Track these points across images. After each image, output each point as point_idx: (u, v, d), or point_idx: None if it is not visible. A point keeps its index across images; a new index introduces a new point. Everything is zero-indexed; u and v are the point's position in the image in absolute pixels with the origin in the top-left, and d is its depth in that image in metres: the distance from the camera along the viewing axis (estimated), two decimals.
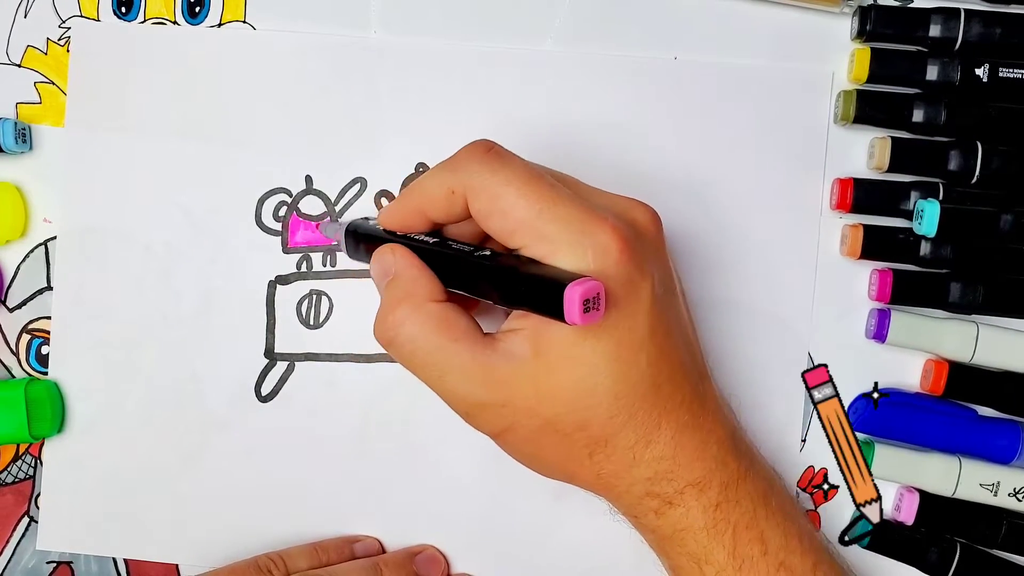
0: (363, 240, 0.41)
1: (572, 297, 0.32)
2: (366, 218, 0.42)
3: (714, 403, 0.39)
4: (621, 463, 0.37)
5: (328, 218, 0.47)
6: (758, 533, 0.38)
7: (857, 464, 0.45)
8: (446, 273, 0.38)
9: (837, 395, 0.46)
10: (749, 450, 0.40)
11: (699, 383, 0.38)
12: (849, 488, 0.45)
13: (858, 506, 0.45)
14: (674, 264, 0.40)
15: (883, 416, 0.45)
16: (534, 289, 0.34)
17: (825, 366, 0.46)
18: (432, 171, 0.38)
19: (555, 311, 0.33)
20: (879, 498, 0.45)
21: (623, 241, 0.35)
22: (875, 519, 0.45)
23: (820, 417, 0.45)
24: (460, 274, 0.37)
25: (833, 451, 0.45)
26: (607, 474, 0.38)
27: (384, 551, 0.47)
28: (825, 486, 0.46)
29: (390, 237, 0.39)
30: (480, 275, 0.37)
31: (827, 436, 0.45)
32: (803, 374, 0.46)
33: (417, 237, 0.39)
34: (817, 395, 0.46)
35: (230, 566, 0.44)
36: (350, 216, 0.46)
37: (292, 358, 0.47)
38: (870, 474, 0.45)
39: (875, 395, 0.45)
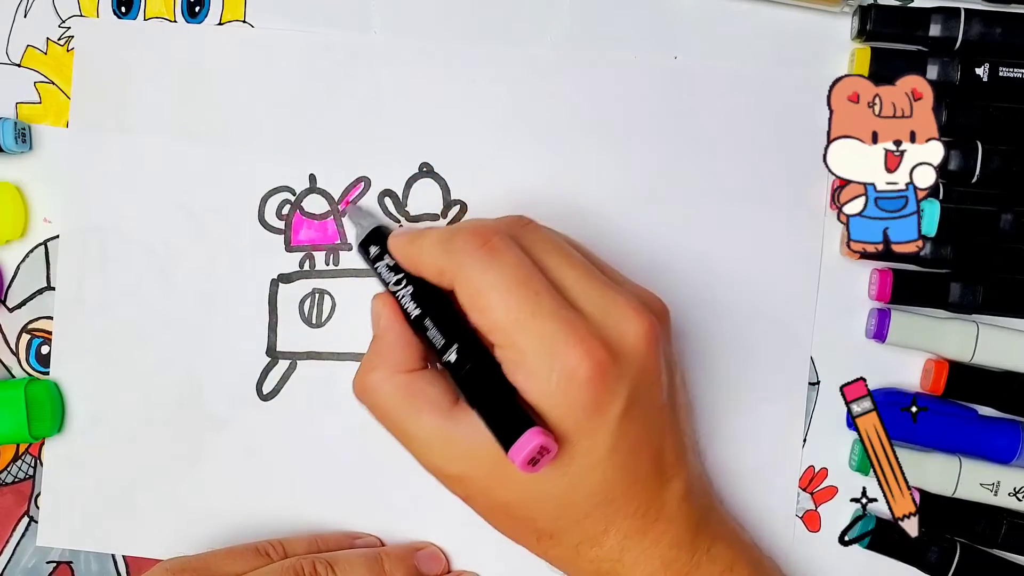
0: (367, 258, 0.42)
1: (516, 455, 0.34)
2: (382, 229, 0.42)
3: (676, 503, 0.38)
4: (566, 554, 0.39)
5: (359, 204, 0.46)
6: None
7: (896, 479, 0.44)
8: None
9: (876, 408, 0.45)
10: (715, 532, 0.40)
11: (662, 489, 0.38)
12: (887, 502, 0.44)
13: (896, 520, 0.44)
14: (671, 363, 0.40)
15: (883, 416, 0.45)
16: (487, 420, 0.36)
17: (863, 379, 0.45)
18: (432, 240, 0.38)
19: (504, 448, 0.35)
20: (917, 512, 0.44)
21: (594, 366, 0.35)
22: (913, 533, 0.44)
23: (859, 431, 0.44)
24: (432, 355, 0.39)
25: (872, 466, 0.44)
26: (554, 556, 0.39)
27: None
28: (825, 486, 0.46)
29: (388, 276, 0.40)
30: (447, 369, 0.38)
31: (866, 451, 0.44)
32: (841, 388, 0.45)
33: (404, 300, 0.40)
34: (856, 409, 0.45)
35: (228, 548, 0.44)
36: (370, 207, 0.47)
37: (294, 357, 0.47)
38: (908, 488, 0.44)
39: (913, 409, 0.45)
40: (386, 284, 0.41)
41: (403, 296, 0.40)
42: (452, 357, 0.37)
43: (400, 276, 0.40)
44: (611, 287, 0.37)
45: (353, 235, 0.46)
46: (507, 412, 0.35)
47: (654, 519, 0.38)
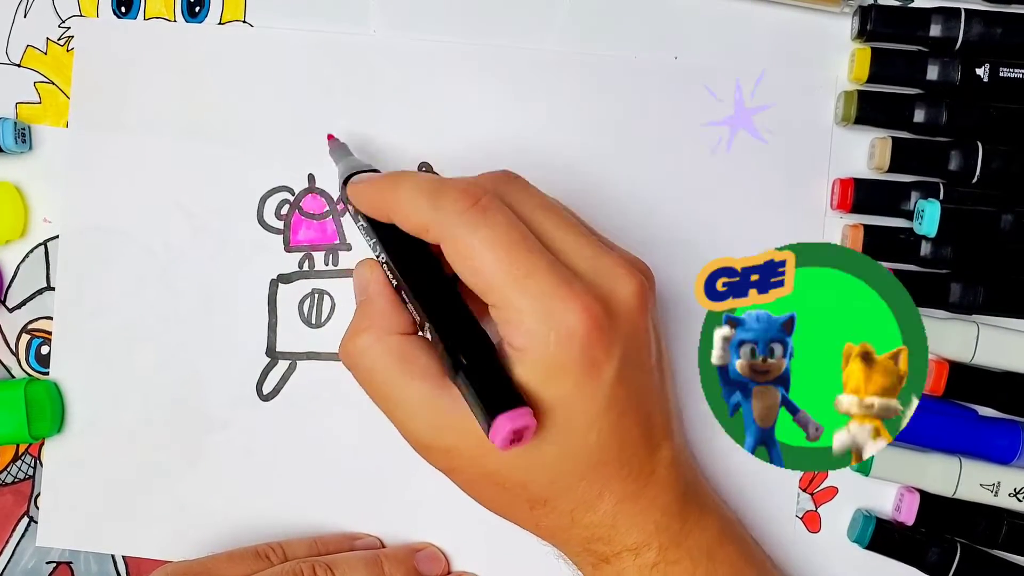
0: (350, 205, 0.40)
1: (496, 435, 0.33)
2: (359, 172, 0.41)
3: (665, 469, 0.38)
4: (560, 522, 0.38)
5: (342, 142, 0.45)
6: None
7: None
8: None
9: None
10: (702, 503, 0.40)
11: (652, 454, 0.38)
12: None
13: None
14: (658, 329, 0.40)
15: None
16: (469, 395, 0.35)
17: None
18: (415, 191, 0.37)
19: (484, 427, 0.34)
20: None
21: (591, 323, 0.35)
22: None
23: None
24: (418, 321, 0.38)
25: None
26: (546, 527, 0.39)
27: None
28: (825, 486, 0.46)
29: (372, 234, 0.39)
30: (431, 337, 0.37)
31: None
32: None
33: (387, 266, 0.39)
34: None
35: (229, 552, 0.44)
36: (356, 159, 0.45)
37: (294, 357, 0.47)
38: None
39: None
40: (366, 237, 0.40)
41: (383, 262, 0.39)
42: (428, 335, 0.37)
43: (375, 240, 0.39)
44: (601, 247, 0.38)
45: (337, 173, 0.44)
46: (489, 390, 0.35)
47: (645, 483, 0.38)
